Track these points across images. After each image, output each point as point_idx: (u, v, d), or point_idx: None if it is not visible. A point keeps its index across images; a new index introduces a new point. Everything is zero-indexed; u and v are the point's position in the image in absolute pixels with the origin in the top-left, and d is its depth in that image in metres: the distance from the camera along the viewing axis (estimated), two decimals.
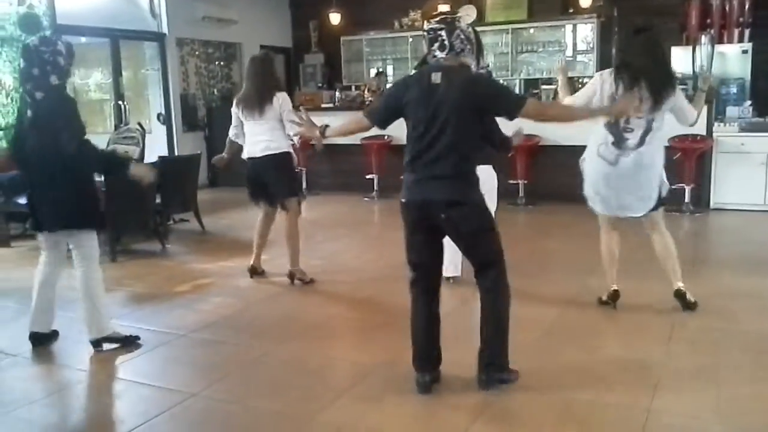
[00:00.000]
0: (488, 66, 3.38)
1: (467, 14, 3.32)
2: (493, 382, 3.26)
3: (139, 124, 8.20)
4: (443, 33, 3.16)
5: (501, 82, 3.61)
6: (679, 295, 4.32)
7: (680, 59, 8.81)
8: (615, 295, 4.43)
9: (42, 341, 4.09)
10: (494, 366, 3.25)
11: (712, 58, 8.38)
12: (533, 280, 5.12)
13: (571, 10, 10.34)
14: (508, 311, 3.27)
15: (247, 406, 3.28)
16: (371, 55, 11.92)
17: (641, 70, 3.97)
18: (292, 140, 5.22)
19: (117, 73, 9.54)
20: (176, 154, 9.90)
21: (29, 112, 3.81)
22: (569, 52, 10.62)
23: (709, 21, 9.49)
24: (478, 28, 10.84)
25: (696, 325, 4.11)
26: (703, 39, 8.52)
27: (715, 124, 7.58)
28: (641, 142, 4.06)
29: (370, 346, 4.00)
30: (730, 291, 4.78)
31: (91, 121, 9.14)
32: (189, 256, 6.36)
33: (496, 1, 10.97)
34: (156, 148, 8.98)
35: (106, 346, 3.99)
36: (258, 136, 5.06)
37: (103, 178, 6.05)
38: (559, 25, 10.60)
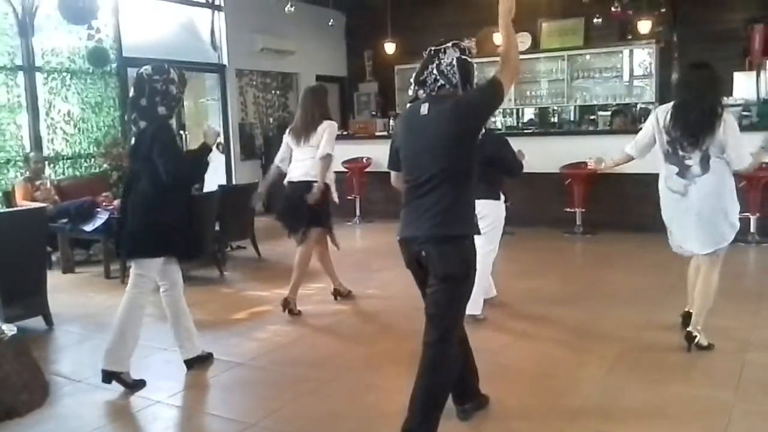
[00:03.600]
0: None
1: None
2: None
3: None
4: (423, 72, 3.01)
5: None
6: (690, 338, 4.13)
7: (743, 85, 8.61)
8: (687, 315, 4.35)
9: (194, 365, 4.14)
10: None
11: None
12: (595, 314, 5.01)
13: (629, 37, 10.20)
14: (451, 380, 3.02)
15: None
16: None
17: (680, 106, 4.04)
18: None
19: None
20: (234, 182, 10.09)
21: (132, 140, 3.85)
22: (626, 77, 10.47)
23: None
24: (534, 56, 10.86)
25: (767, 364, 3.94)
26: None
27: None
28: (705, 168, 3.97)
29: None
30: None
31: None
32: (246, 284, 6.44)
33: (552, 28, 10.93)
34: (215, 176, 9.17)
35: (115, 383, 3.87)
36: (300, 161, 5.22)
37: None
38: (615, 51, 10.47)
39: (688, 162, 4.01)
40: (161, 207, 3.80)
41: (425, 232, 2.90)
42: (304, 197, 5.10)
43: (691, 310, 4.34)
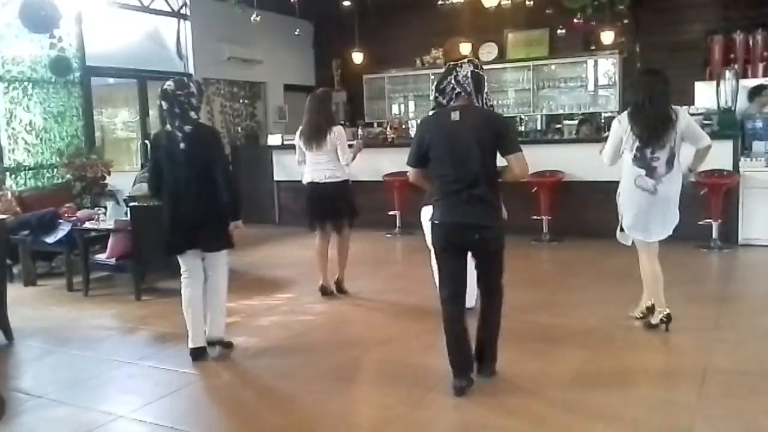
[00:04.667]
0: (491, 106, 3.95)
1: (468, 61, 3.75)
2: (491, 371, 3.85)
3: None
4: (443, 82, 3.68)
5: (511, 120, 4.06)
6: (669, 318, 4.54)
7: (704, 94, 8.77)
8: (668, 318, 4.55)
9: (203, 354, 4.42)
10: (493, 360, 3.86)
11: (736, 93, 8.31)
12: (561, 321, 5.05)
13: (592, 47, 10.37)
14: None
15: None
16: (393, 92, 12.03)
17: (636, 109, 4.47)
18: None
19: (144, 112, 9.71)
20: None
21: (182, 145, 4.24)
22: (591, 87, 10.62)
23: (732, 56, 9.47)
24: (501, 66, 10.98)
25: (729, 368, 4.00)
26: (728, 74, 8.46)
27: (742, 159, 7.49)
28: (669, 168, 4.44)
29: (394, 389, 3.93)
30: (762, 331, 4.67)
31: (118, 160, 9.29)
32: None
33: (518, 38, 11.06)
34: None
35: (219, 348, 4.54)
36: (321, 165, 5.75)
37: (129, 214, 6.14)
38: (580, 61, 10.63)
39: (655, 164, 4.44)
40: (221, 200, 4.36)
41: (477, 221, 3.58)
42: (339, 195, 5.77)
43: (653, 302, 4.72)
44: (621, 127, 4.55)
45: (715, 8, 9.79)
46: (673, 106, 4.51)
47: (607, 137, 4.83)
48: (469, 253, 3.72)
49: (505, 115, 11.42)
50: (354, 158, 5.86)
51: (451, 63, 3.70)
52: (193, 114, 4.30)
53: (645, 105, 4.43)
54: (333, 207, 5.82)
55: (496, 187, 3.64)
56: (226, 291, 4.57)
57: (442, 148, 3.60)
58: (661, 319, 4.56)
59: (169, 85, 4.30)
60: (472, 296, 4.70)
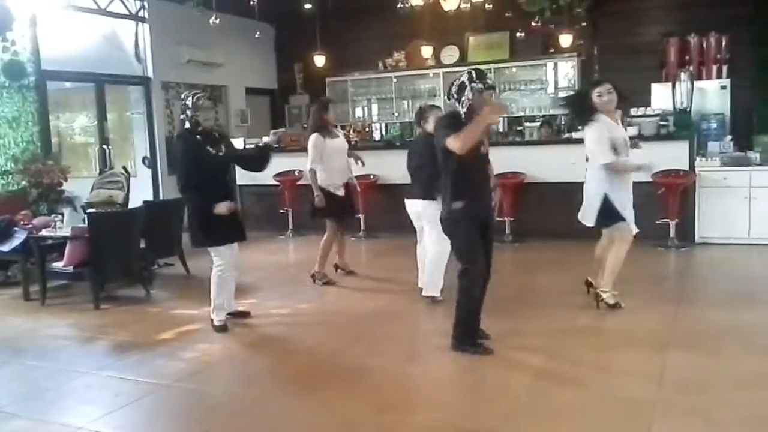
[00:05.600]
0: (461, 111, 4.27)
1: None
2: (456, 347, 4.36)
3: (124, 168, 8.19)
4: (450, 89, 4.34)
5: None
6: (597, 295, 5.17)
7: (660, 96, 8.96)
8: (597, 297, 5.18)
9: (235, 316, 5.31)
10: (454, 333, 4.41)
11: (691, 95, 8.51)
12: (522, 320, 5.09)
13: (551, 50, 10.49)
14: (468, 304, 4.34)
15: None
16: (356, 95, 12.01)
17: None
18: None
19: (102, 117, 9.53)
20: (161, 197, 9.85)
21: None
22: (551, 89, 10.75)
23: (687, 58, 9.68)
24: (462, 68, 11.04)
25: (686, 364, 4.08)
26: (683, 76, 8.66)
27: (697, 159, 7.65)
28: (587, 164, 5.17)
29: (361, 394, 3.92)
30: (718, 328, 4.77)
31: (75, 166, 9.10)
32: (173, 302, 6.26)
33: (479, 41, 11.15)
34: (141, 191, 8.93)
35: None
36: None
37: (87, 221, 6.04)
38: (540, 64, 10.75)
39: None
40: (193, 205, 5.05)
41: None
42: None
43: (590, 279, 5.40)
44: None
45: (670, 11, 10.00)
46: (590, 121, 5.02)
47: (571, 139, 5.35)
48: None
49: None
50: (314, 182, 6.26)
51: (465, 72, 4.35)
52: (186, 123, 4.93)
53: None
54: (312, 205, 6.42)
55: (454, 177, 4.23)
56: (215, 285, 5.14)
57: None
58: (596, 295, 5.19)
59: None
60: (437, 286, 5.60)
